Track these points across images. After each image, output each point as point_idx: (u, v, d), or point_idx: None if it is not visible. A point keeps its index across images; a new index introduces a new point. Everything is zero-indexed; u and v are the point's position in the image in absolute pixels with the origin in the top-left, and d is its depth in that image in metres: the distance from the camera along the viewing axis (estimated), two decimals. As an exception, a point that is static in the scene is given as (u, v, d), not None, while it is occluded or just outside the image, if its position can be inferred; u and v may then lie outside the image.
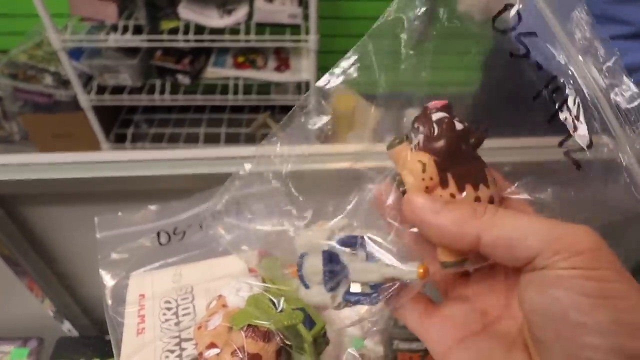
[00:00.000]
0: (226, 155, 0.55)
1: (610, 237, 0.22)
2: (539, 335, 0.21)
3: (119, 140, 1.80)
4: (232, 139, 1.79)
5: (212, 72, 1.68)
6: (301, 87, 1.69)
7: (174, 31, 1.49)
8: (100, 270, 0.39)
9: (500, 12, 0.26)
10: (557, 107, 0.25)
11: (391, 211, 0.27)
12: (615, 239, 0.32)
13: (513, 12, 0.25)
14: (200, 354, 0.28)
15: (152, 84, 1.67)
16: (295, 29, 1.51)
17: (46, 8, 1.33)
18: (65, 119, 1.71)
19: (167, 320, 0.36)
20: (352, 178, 0.29)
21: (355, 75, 0.28)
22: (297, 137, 0.29)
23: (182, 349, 0.34)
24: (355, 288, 0.27)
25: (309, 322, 0.28)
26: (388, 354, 0.67)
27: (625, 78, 0.25)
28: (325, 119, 0.29)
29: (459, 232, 0.23)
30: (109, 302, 0.38)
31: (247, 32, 1.48)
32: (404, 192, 0.25)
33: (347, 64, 0.28)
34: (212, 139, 1.80)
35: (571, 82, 0.25)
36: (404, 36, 0.27)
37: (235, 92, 1.64)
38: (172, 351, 0.34)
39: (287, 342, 0.28)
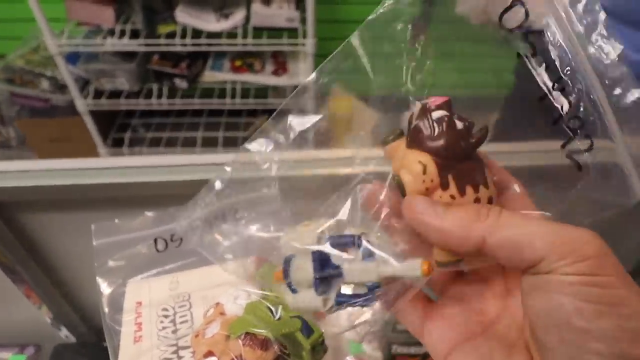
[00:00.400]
0: (224, 162, 0.55)
1: (611, 237, 0.22)
2: (542, 339, 0.21)
3: (117, 144, 1.79)
4: (230, 143, 1.79)
5: (210, 76, 1.67)
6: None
7: (171, 35, 1.48)
8: (97, 277, 0.39)
9: (506, 10, 0.25)
10: (560, 108, 0.25)
11: (384, 210, 0.26)
12: (615, 239, 0.32)
13: (520, 9, 0.25)
14: (198, 362, 0.28)
15: (150, 88, 1.66)
16: (292, 32, 1.51)
17: (43, 12, 1.33)
18: (63, 124, 1.70)
19: (164, 328, 0.36)
20: (344, 181, 0.29)
21: (345, 74, 0.28)
22: (287, 140, 0.29)
23: (180, 357, 0.33)
24: (346, 290, 0.26)
25: (307, 329, 0.28)
26: (387, 358, 0.66)
27: (625, 68, 0.24)
28: (315, 118, 0.29)
29: (464, 236, 0.23)
30: (106, 309, 0.38)
31: (245, 36, 1.48)
32: (402, 192, 0.25)
33: (336, 63, 0.28)
34: (209, 143, 1.79)
35: (571, 82, 0.25)
36: (401, 33, 0.27)
37: (233, 96, 1.64)
38: (169, 359, 0.33)
39: (285, 351, 0.28)
